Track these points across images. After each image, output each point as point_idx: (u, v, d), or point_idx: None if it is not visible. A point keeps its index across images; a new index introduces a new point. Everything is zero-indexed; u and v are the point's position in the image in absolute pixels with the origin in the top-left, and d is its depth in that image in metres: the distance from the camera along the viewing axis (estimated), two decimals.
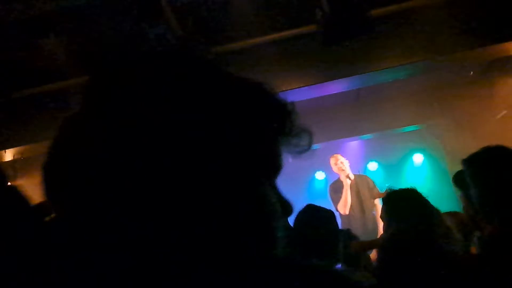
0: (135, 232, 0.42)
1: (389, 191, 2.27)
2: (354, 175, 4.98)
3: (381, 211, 2.31)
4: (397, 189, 2.29)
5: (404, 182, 7.05)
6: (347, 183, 4.87)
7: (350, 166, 5.25)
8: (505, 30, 4.08)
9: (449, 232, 2.15)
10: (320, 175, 7.94)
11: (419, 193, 2.19)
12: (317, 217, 2.17)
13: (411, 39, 4.15)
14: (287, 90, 4.09)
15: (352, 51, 4.04)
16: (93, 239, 0.42)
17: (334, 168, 5.06)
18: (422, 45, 4.13)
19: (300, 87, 4.18)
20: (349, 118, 6.22)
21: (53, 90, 4.17)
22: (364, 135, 6.84)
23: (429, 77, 5.24)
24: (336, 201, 4.87)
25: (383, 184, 7.53)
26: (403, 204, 2.17)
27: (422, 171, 7.06)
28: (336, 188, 4.94)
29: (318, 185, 7.68)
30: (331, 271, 0.51)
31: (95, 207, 0.43)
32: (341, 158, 5.03)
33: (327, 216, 2.23)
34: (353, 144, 7.66)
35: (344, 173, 4.89)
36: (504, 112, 5.11)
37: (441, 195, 4.51)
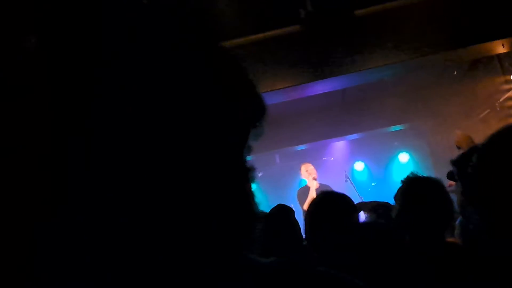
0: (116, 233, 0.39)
1: (411, 176, 2.14)
2: (320, 183, 5.52)
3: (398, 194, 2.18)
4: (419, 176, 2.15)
5: (391, 181, 7.10)
6: (313, 185, 5.40)
7: (337, 166, 5.32)
8: (488, 30, 4.11)
9: None
10: None
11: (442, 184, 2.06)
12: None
13: (396, 39, 4.16)
14: (272, 90, 4.06)
15: (337, 51, 4.03)
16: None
17: (304, 174, 5.63)
18: (407, 45, 4.15)
19: (285, 87, 4.15)
20: (335, 118, 6.23)
21: None
22: (350, 135, 6.86)
23: (413, 77, 5.27)
24: (302, 202, 5.21)
25: (369, 184, 7.61)
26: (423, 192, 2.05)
27: (407, 170, 7.11)
28: (304, 191, 5.46)
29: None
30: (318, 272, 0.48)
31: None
32: (311, 166, 5.65)
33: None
34: (340, 145, 7.69)
35: (311, 177, 5.48)
36: (487, 111, 5.17)
37: None
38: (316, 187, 5.35)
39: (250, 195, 0.48)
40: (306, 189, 5.43)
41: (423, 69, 4.87)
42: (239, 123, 0.47)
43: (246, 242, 0.46)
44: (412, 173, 2.10)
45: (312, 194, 5.23)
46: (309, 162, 5.78)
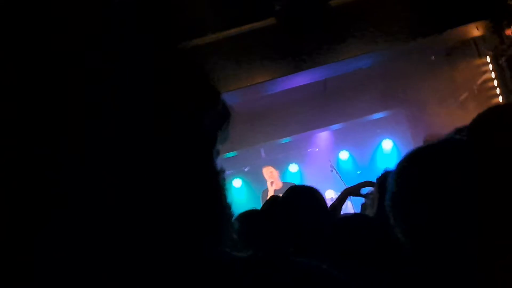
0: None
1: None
2: (283, 182, 5.83)
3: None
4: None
5: (375, 169, 7.16)
6: (271, 187, 5.73)
7: (323, 157, 5.30)
8: (462, 13, 4.15)
9: None
10: (293, 168, 7.97)
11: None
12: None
13: (372, 28, 4.16)
14: (251, 85, 4.04)
15: (314, 43, 4.02)
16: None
17: (267, 177, 5.97)
18: (383, 33, 4.16)
19: (264, 81, 4.14)
20: (317, 109, 6.24)
21: None
22: (333, 125, 6.89)
23: (392, 65, 5.30)
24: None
25: (355, 172, 7.66)
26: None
27: (391, 157, 7.18)
28: (265, 194, 5.74)
29: (292, 178, 7.70)
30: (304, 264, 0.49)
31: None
32: (270, 169, 5.96)
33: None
34: (323, 135, 7.71)
35: (269, 181, 5.82)
36: (465, 94, 5.23)
37: None
38: (277, 188, 5.63)
39: (220, 195, 0.48)
40: (266, 193, 5.75)
41: (401, 57, 4.90)
42: (203, 128, 0.48)
43: (218, 238, 0.47)
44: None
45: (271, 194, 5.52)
46: (269, 165, 6.14)
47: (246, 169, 7.78)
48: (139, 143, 0.41)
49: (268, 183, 5.82)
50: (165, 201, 0.42)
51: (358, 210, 3.18)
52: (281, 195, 2.43)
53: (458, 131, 0.91)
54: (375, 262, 1.33)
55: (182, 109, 0.45)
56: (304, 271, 0.48)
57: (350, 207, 5.22)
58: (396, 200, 0.91)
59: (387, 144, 7.50)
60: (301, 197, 2.19)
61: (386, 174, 2.14)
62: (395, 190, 0.91)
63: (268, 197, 5.52)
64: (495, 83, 4.78)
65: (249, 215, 2.42)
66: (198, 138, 0.46)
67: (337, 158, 7.84)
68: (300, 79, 4.56)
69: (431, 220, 0.84)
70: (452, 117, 4.71)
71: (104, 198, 0.40)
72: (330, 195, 6.80)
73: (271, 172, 5.91)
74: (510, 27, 4.23)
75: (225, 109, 0.51)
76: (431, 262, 0.86)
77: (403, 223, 0.89)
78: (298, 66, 4.06)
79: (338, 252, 1.37)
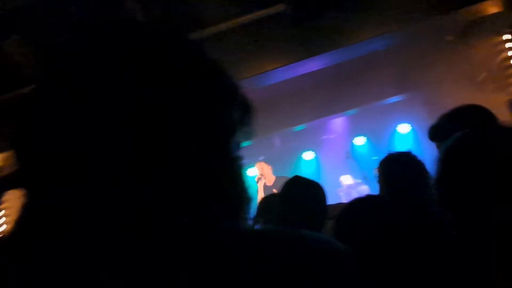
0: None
1: (386, 154, 2.16)
2: (276, 177, 5.72)
3: (377, 175, 2.19)
4: (393, 152, 2.16)
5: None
6: (261, 184, 5.73)
7: (338, 144, 5.13)
8: None
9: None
10: (308, 155, 7.91)
11: (414, 156, 2.07)
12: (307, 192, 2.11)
13: (385, 10, 4.06)
14: (262, 73, 4.00)
15: (326, 27, 3.95)
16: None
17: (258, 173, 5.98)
18: (397, 14, 4.05)
19: (276, 68, 4.08)
20: (331, 95, 6.15)
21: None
22: (349, 111, 6.80)
23: (407, 47, 5.18)
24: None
25: (371, 157, 7.57)
26: (397, 167, 2.06)
27: (408, 141, 7.07)
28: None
29: (307, 166, 7.65)
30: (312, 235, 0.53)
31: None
32: (262, 165, 5.97)
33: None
34: (339, 121, 7.63)
35: (257, 177, 5.82)
36: (484, 74, 5.08)
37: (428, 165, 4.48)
38: (269, 184, 5.63)
39: (239, 180, 0.54)
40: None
41: (417, 38, 4.78)
42: (224, 121, 0.53)
43: (238, 216, 0.53)
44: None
45: (260, 194, 5.44)
46: (262, 161, 6.16)
47: (261, 159, 7.77)
48: (176, 134, 0.48)
49: (256, 179, 5.82)
50: (196, 183, 0.48)
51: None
52: (274, 190, 2.43)
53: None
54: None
55: (205, 103, 0.51)
56: (311, 242, 0.51)
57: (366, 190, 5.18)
58: (446, 179, 1.01)
59: (403, 128, 7.38)
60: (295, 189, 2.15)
61: (389, 157, 2.12)
62: (444, 171, 1.00)
63: (260, 190, 5.70)
64: None
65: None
66: (219, 130, 0.52)
67: (353, 144, 7.76)
68: (313, 65, 4.50)
69: (475, 197, 0.93)
70: (470, 98, 4.59)
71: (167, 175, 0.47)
72: (347, 181, 6.75)
73: (261, 167, 5.91)
74: None
75: (245, 101, 0.57)
76: (472, 232, 0.95)
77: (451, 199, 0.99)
78: (310, 51, 4.00)
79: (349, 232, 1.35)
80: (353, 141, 7.73)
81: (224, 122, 0.53)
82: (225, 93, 0.54)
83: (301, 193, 2.11)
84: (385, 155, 2.16)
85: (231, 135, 0.54)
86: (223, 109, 0.53)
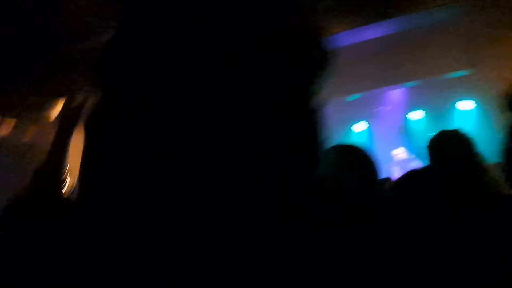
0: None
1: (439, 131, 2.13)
2: None
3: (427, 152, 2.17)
4: (445, 130, 2.13)
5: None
6: None
7: (393, 117, 4.99)
8: None
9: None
10: (361, 126, 7.73)
11: (463, 134, 2.02)
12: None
13: None
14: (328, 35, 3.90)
15: None
16: None
17: None
18: None
19: (339, 31, 3.96)
20: (391, 65, 5.91)
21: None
22: (408, 83, 6.53)
23: (477, 18, 4.83)
24: None
25: (429, 133, 7.27)
26: (447, 145, 2.03)
27: (470, 119, 6.72)
28: None
29: (357, 138, 7.49)
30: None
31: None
32: None
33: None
34: (396, 93, 7.36)
35: None
36: None
37: (491, 146, 4.27)
38: None
39: (316, 129, 0.55)
40: None
41: (487, 9, 4.45)
42: (305, 69, 0.53)
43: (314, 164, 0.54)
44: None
45: None
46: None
47: None
48: (251, 86, 0.48)
49: None
50: (275, 133, 0.49)
51: None
52: None
53: None
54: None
55: (287, 51, 0.50)
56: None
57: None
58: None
59: (465, 105, 7.00)
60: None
61: (440, 134, 2.08)
62: None
63: None
64: None
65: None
66: (300, 79, 0.52)
67: (408, 119, 7.50)
68: (376, 31, 4.33)
69: None
70: None
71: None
72: (402, 154, 6.59)
73: None
74: None
75: (326, 51, 0.56)
76: None
77: None
78: (375, 16, 3.84)
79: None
80: (410, 115, 7.47)
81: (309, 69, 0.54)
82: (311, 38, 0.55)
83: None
84: (438, 132, 2.15)
85: (312, 83, 0.55)
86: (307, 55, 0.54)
